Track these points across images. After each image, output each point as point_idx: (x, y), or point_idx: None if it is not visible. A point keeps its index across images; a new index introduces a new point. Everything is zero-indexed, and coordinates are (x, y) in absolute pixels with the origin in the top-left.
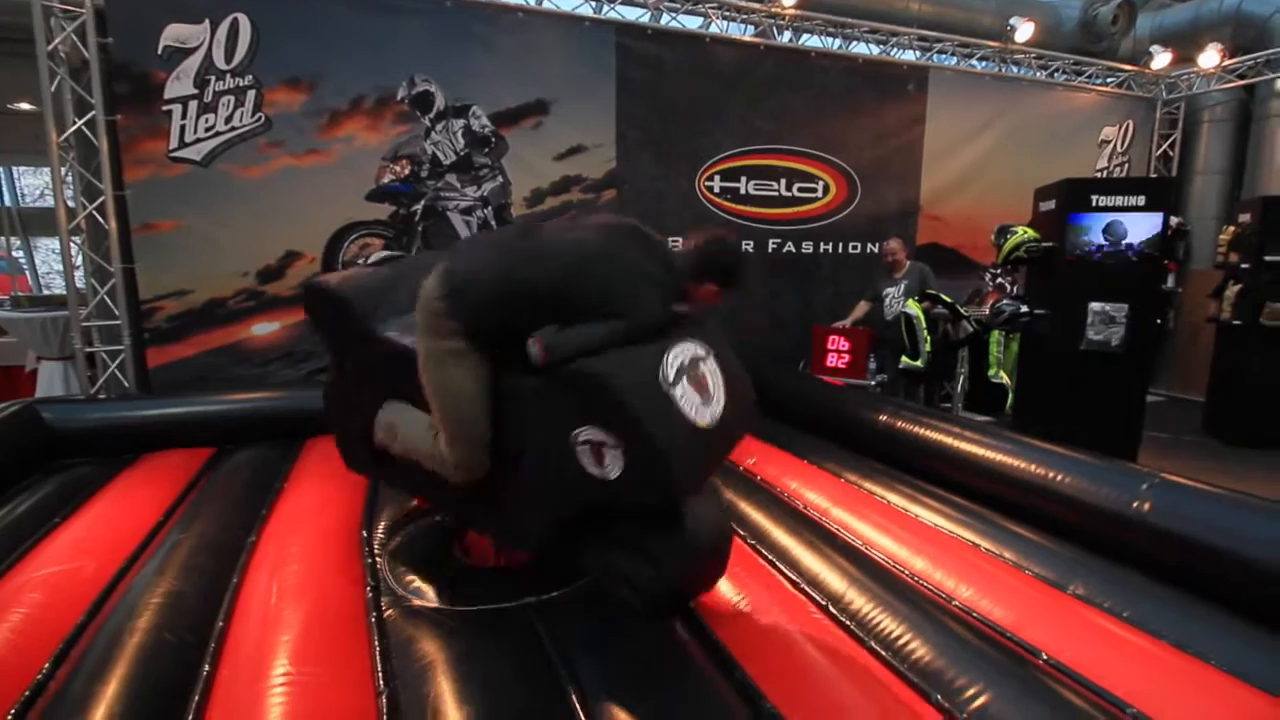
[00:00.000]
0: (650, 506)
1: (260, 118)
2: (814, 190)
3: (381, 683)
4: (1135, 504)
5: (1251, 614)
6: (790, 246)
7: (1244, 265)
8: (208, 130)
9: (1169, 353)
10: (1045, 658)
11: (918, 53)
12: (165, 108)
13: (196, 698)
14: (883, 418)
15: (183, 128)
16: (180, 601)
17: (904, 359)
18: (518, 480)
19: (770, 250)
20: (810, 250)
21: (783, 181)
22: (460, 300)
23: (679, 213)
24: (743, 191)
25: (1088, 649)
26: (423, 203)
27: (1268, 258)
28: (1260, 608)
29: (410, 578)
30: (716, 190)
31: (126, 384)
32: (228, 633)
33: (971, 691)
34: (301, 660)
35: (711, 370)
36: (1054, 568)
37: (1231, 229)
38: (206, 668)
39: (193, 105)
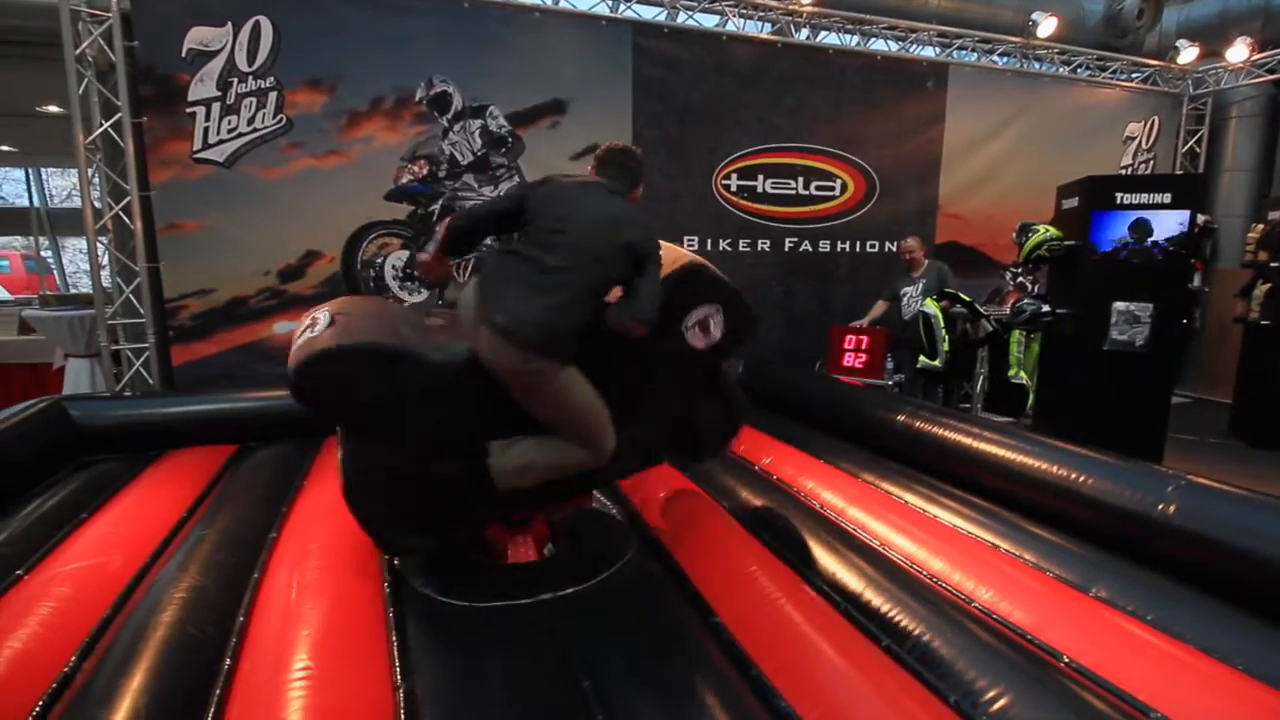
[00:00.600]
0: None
1: (281, 119)
2: (832, 188)
3: (399, 678)
4: (1160, 506)
5: (1278, 618)
6: (808, 245)
7: (1273, 264)
8: (230, 132)
9: (1195, 353)
10: (1067, 660)
11: (937, 49)
12: (189, 110)
13: (218, 691)
14: (901, 418)
15: (206, 129)
16: (203, 597)
17: (922, 359)
18: (642, 415)
19: (787, 249)
20: (828, 249)
21: (800, 180)
22: (549, 347)
23: (695, 211)
24: (760, 190)
25: (1110, 652)
26: (440, 202)
27: None
28: None
29: (428, 574)
30: (733, 189)
31: (151, 381)
32: (249, 627)
33: (991, 694)
34: (321, 655)
35: None
36: (1076, 570)
37: (1260, 227)
38: (228, 662)
39: (216, 107)
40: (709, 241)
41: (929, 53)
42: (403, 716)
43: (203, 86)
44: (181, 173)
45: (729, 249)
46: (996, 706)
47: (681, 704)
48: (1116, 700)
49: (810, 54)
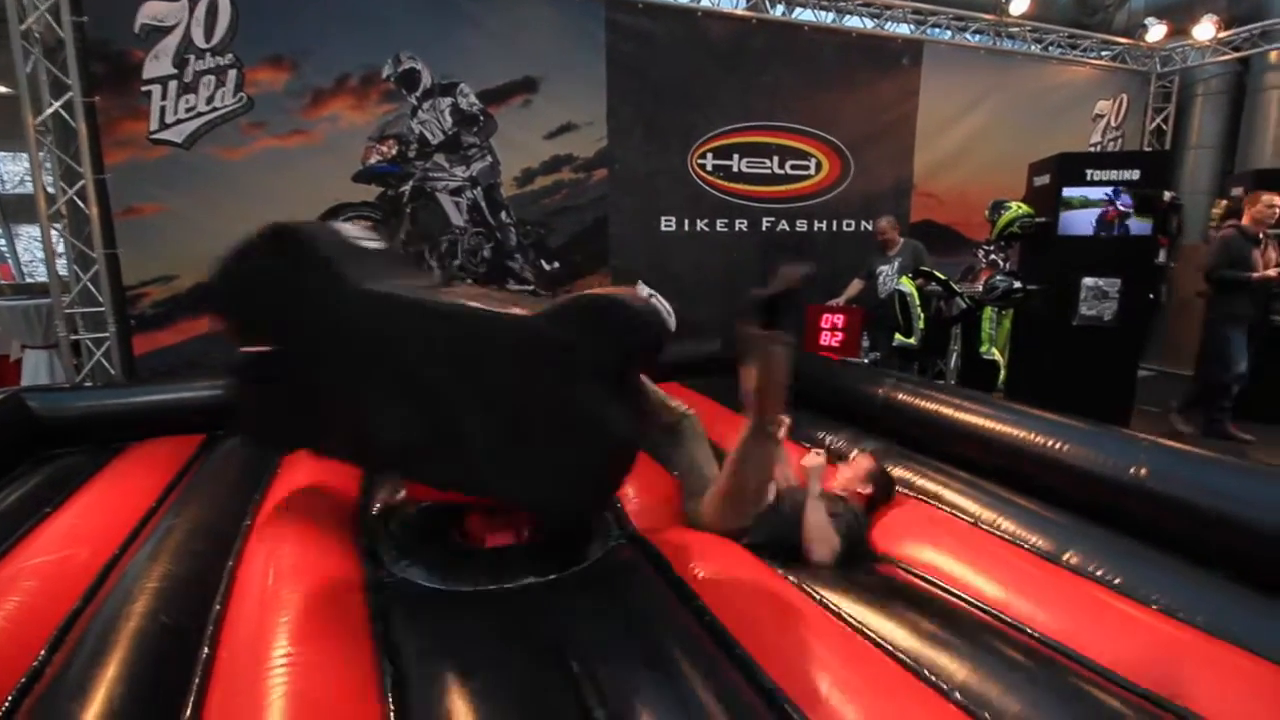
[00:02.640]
0: None
1: (242, 98)
2: (807, 168)
3: (382, 663)
4: (1133, 469)
5: (1245, 576)
6: (784, 225)
7: None
8: (189, 111)
9: (1160, 327)
10: (1031, 632)
11: (912, 26)
12: (144, 88)
13: (196, 680)
14: (881, 391)
15: (163, 109)
16: (176, 585)
17: (897, 336)
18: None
19: (764, 229)
20: (804, 229)
21: (775, 159)
22: None
23: (671, 191)
24: (735, 169)
25: (1075, 619)
26: (411, 183)
27: None
28: (1254, 570)
29: (408, 559)
30: (709, 168)
31: (113, 372)
32: (225, 615)
33: (955, 668)
34: (301, 642)
35: None
36: (1051, 536)
37: (1223, 202)
38: (205, 650)
39: (172, 85)
40: (686, 222)
41: (904, 30)
42: (390, 700)
43: (158, 64)
44: (138, 154)
45: (706, 229)
46: (960, 678)
47: (671, 682)
48: (1077, 666)
49: (785, 31)
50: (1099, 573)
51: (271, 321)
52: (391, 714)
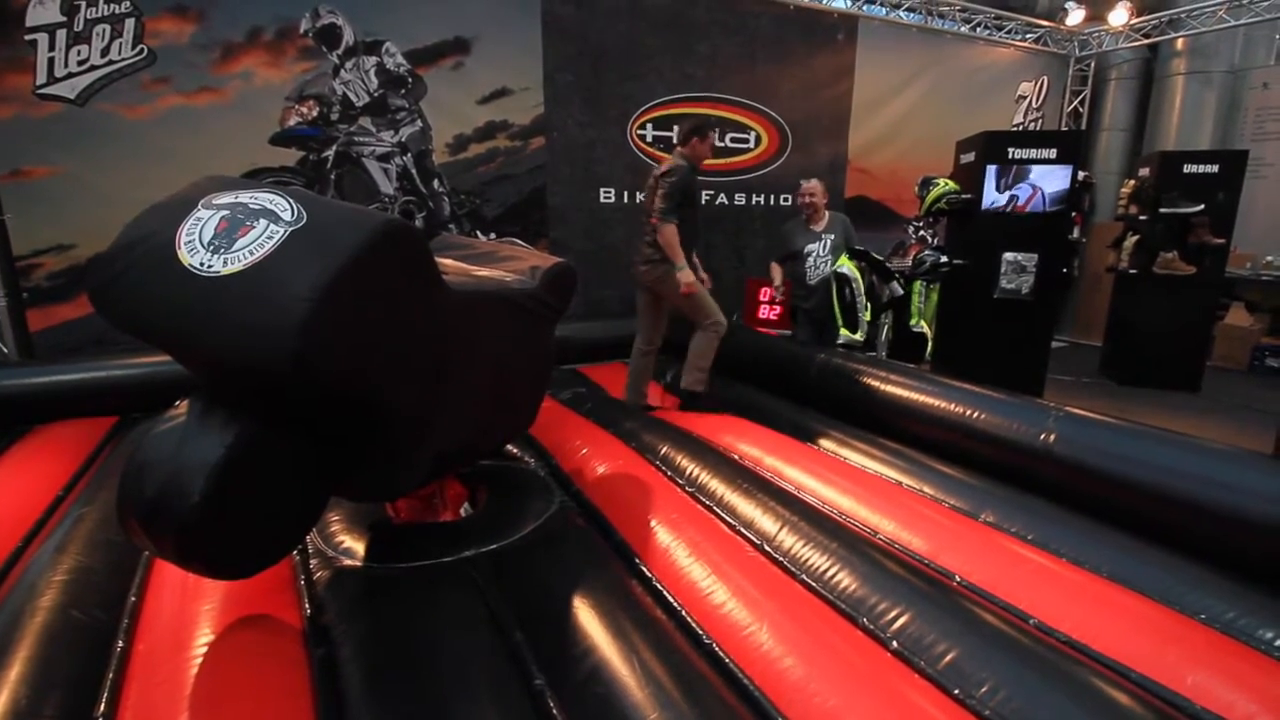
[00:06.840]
0: None
1: (142, 50)
2: (746, 141)
3: (314, 646)
4: (1042, 436)
5: (1136, 529)
6: (724, 198)
7: (1141, 217)
8: (81, 64)
9: (1073, 300)
10: (958, 580)
11: (848, 1)
12: (28, 37)
13: (111, 675)
14: (814, 367)
15: (51, 60)
16: (87, 577)
17: (843, 332)
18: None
19: (704, 202)
20: (743, 202)
21: (715, 131)
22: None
23: (611, 162)
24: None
25: (995, 570)
26: (334, 148)
27: (1162, 210)
28: (1142, 523)
29: (340, 538)
30: (649, 139)
31: (6, 350)
32: (142, 607)
33: (893, 613)
34: (227, 628)
35: None
36: (968, 498)
37: (1131, 182)
38: (121, 644)
39: (61, 35)
40: (625, 194)
41: (840, 4)
42: (319, 685)
43: (44, 10)
44: (24, 110)
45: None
46: (898, 625)
47: (616, 649)
48: (1000, 610)
49: (725, 1)
50: (1014, 530)
51: (391, 349)
52: (321, 700)
